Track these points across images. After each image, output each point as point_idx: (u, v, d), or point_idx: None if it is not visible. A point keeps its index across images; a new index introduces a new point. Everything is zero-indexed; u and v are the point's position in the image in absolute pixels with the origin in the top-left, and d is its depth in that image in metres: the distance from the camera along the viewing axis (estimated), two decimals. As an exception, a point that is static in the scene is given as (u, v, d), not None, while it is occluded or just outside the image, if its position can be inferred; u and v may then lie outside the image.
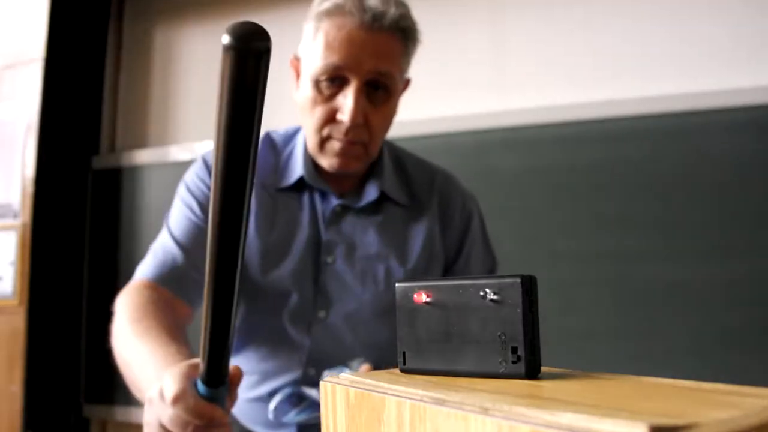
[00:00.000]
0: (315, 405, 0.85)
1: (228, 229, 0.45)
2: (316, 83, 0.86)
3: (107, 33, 2.26)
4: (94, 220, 2.15)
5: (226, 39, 0.37)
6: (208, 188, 0.93)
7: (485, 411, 0.33)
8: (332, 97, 0.86)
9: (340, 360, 0.88)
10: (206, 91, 2.15)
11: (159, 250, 0.89)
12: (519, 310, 0.41)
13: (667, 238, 1.53)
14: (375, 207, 0.95)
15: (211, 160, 1.03)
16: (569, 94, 1.69)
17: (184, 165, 1.99)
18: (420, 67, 1.98)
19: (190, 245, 0.88)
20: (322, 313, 0.91)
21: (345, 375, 0.64)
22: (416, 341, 0.46)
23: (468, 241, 1.00)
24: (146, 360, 0.69)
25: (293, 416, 0.85)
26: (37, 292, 1.96)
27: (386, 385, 0.41)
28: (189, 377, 0.57)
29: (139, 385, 0.68)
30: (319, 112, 0.87)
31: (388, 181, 0.97)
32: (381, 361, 0.86)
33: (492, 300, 0.42)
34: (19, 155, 2.01)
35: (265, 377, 0.95)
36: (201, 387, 0.56)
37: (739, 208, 1.49)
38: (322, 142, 0.89)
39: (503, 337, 0.41)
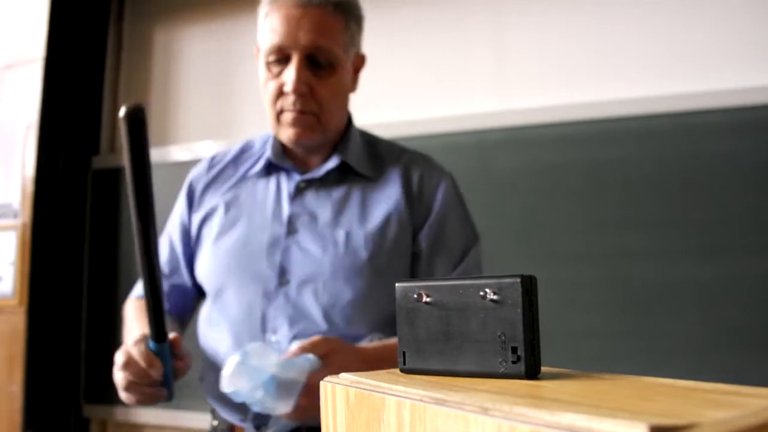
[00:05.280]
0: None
1: (144, 230, 0.83)
2: (267, 65, 0.98)
3: (107, 33, 2.26)
4: (94, 220, 2.15)
5: (121, 113, 0.75)
6: (187, 214, 1.08)
7: (485, 411, 0.33)
8: (280, 73, 0.97)
9: (300, 325, 0.94)
10: (206, 91, 2.15)
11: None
12: (519, 310, 0.41)
13: (667, 238, 1.53)
14: (338, 179, 1.02)
15: (195, 181, 1.10)
16: (569, 94, 1.69)
17: (184, 165, 2.00)
18: (420, 68, 1.98)
19: (168, 269, 1.08)
20: (283, 281, 0.97)
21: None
22: (416, 341, 0.46)
23: (438, 210, 1.01)
24: (129, 330, 1.03)
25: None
26: (37, 292, 1.96)
27: (386, 385, 0.41)
28: (145, 338, 0.85)
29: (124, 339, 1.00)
30: (271, 88, 0.98)
31: (352, 153, 1.03)
32: (343, 321, 0.93)
33: (492, 300, 0.42)
34: (19, 155, 2.01)
35: (232, 351, 0.95)
36: (151, 344, 0.83)
37: (739, 208, 1.48)
38: (278, 116, 0.99)
39: (503, 337, 0.41)
